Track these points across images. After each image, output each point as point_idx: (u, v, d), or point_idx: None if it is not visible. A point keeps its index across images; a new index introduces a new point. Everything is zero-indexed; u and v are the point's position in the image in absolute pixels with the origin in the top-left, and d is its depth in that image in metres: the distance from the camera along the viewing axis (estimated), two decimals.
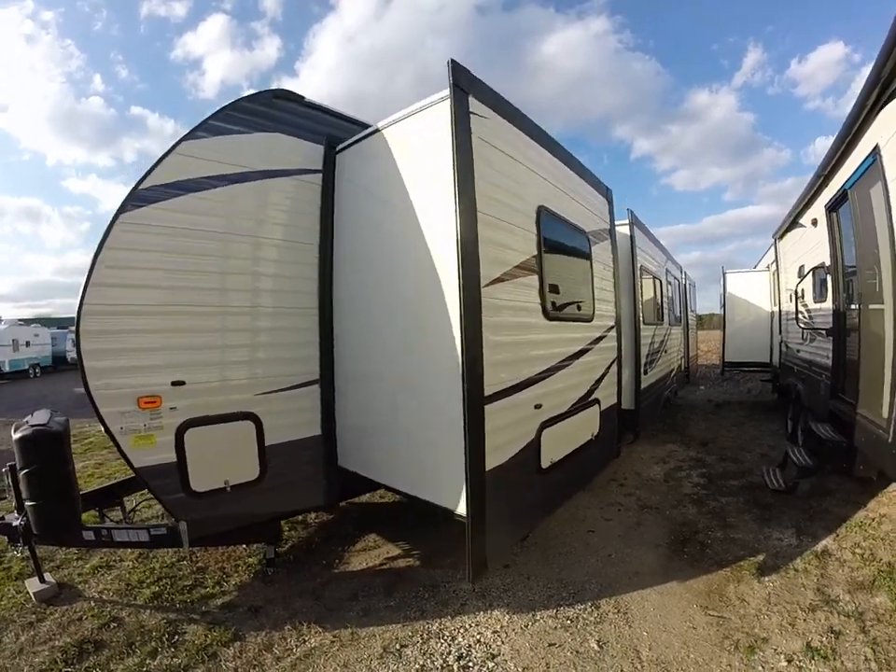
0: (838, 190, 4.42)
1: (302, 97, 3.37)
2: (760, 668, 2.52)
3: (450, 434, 2.69)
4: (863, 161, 3.66)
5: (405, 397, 3.09)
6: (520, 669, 2.60)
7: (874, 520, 4.02)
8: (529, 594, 3.29)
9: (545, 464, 3.41)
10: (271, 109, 3.17)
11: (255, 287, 3.21)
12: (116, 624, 3.05)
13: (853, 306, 4.31)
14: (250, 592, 3.39)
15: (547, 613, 3.07)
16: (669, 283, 8.26)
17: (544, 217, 3.35)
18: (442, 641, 2.85)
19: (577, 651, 2.72)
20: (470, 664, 2.65)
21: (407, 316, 3.05)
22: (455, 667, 2.63)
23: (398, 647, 2.82)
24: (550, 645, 2.78)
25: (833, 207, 4.69)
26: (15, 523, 3.29)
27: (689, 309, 11.33)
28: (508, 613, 3.08)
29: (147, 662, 2.69)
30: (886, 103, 3.17)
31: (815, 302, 5.31)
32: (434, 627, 2.98)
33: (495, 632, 2.92)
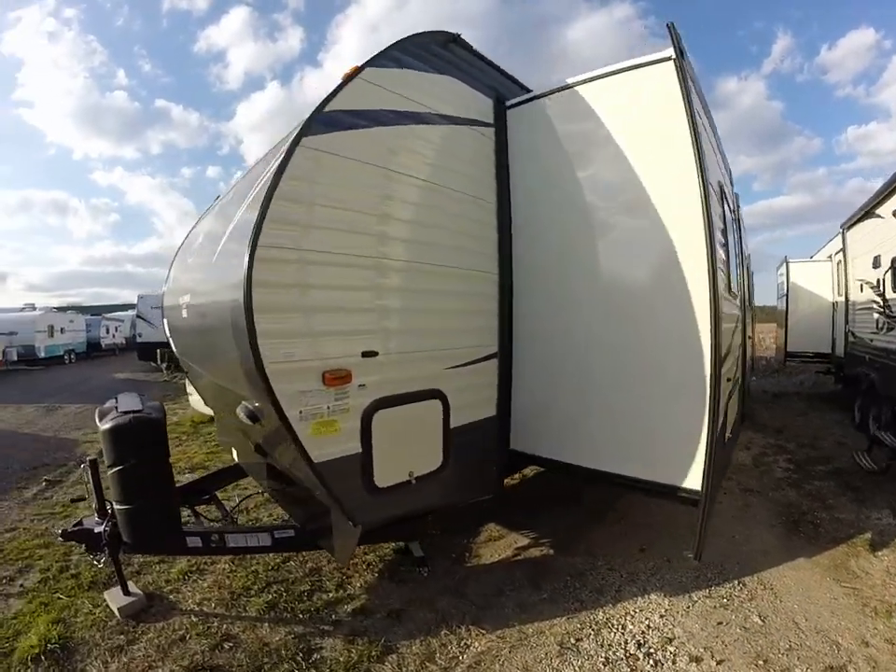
0: None
1: (472, 46, 3.05)
2: None
3: (685, 412, 2.55)
4: None
5: (616, 373, 2.83)
6: (701, 650, 2.54)
7: None
8: (676, 576, 3.22)
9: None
10: (446, 52, 2.83)
11: (444, 243, 2.79)
12: (231, 644, 2.60)
13: None
14: (381, 594, 3.03)
15: (701, 594, 3.03)
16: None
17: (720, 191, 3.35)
18: (615, 631, 2.72)
19: (744, 627, 2.71)
20: (651, 650, 2.55)
21: (622, 288, 2.80)
22: (640, 656, 2.52)
23: (573, 641, 2.64)
24: (718, 624, 2.75)
25: None
26: (97, 529, 2.74)
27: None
28: (665, 597, 3.00)
29: None
30: None
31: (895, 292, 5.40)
32: (600, 617, 2.83)
33: (661, 616, 2.83)
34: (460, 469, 2.68)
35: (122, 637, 2.68)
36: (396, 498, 2.51)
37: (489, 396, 3.05)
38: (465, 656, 2.52)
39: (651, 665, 2.44)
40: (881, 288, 5.62)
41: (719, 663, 2.44)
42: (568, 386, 2.92)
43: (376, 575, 3.22)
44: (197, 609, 2.91)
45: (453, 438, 2.64)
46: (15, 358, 18.64)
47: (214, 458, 5.90)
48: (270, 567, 3.26)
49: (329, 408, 2.18)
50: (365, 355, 2.30)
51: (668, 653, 2.52)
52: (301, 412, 2.08)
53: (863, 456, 5.06)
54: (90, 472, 2.86)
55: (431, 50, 2.67)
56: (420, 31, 2.52)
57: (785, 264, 10.93)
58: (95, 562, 2.92)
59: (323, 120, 2.13)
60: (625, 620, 2.79)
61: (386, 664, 2.46)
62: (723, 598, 2.96)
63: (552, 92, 2.98)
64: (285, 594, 3.00)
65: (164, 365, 15.15)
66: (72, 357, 22.40)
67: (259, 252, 1.89)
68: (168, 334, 4.27)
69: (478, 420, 2.90)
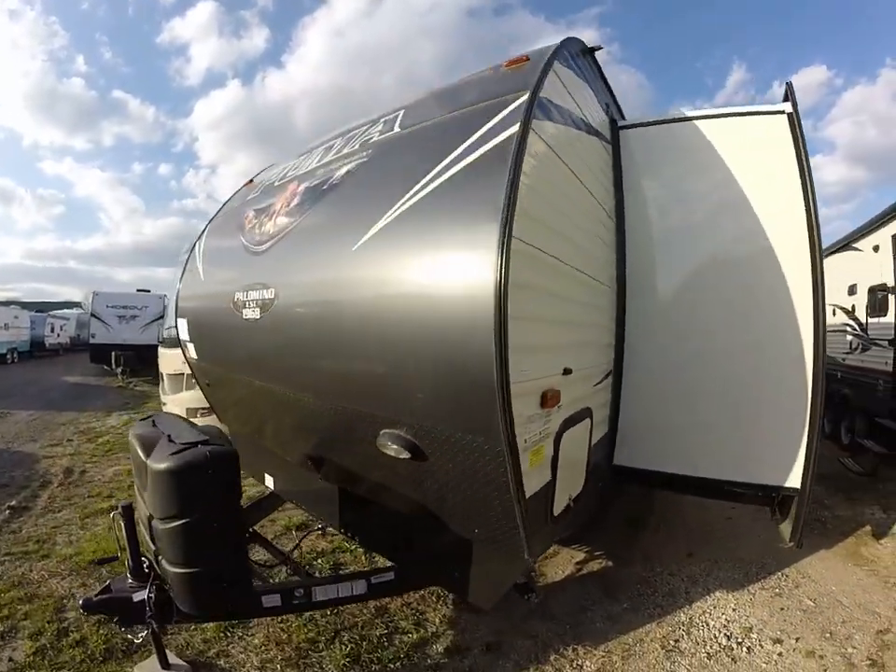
0: None
1: (598, 64, 3.00)
2: None
3: (790, 416, 2.70)
4: None
5: (724, 382, 2.91)
6: (778, 632, 2.83)
7: None
8: (728, 574, 3.43)
9: None
10: (585, 61, 2.75)
11: (598, 255, 2.71)
12: None
13: None
14: (466, 626, 2.81)
15: (756, 587, 3.29)
16: None
17: None
18: (701, 628, 2.87)
19: (802, 610, 3.04)
20: (739, 639, 2.78)
21: (729, 302, 2.92)
22: (733, 646, 2.72)
23: (672, 643, 2.73)
24: (780, 609, 3.04)
25: None
26: (138, 596, 2.17)
27: None
28: (728, 593, 3.20)
29: None
30: None
31: (871, 317, 6.01)
32: (683, 618, 2.95)
33: (733, 609, 3.04)
34: (590, 488, 2.57)
35: None
36: (559, 526, 2.29)
37: (608, 412, 3.00)
38: None
39: (746, 652, 2.68)
40: (856, 313, 6.32)
41: (797, 640, 2.74)
42: (675, 398, 2.98)
43: (450, 606, 2.98)
44: None
45: (591, 457, 2.52)
46: None
47: None
48: (326, 612, 2.83)
49: (539, 433, 1.89)
50: (565, 372, 2.05)
51: (754, 639, 2.76)
52: (525, 440, 1.73)
53: (851, 461, 5.76)
54: (123, 523, 2.24)
55: (579, 56, 2.57)
56: (571, 36, 2.29)
57: None
58: (131, 636, 2.29)
59: (543, 104, 1.84)
60: (706, 617, 2.95)
61: None
62: (775, 589, 3.25)
63: (666, 122, 3.09)
64: (362, 642, 2.63)
65: (120, 369, 13.50)
66: (14, 356, 20.35)
67: (515, 244, 1.50)
68: (187, 336, 3.58)
69: (602, 437, 2.82)
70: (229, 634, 2.69)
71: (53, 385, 13.09)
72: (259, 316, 2.53)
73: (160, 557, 2.11)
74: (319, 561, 3.44)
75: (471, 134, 1.76)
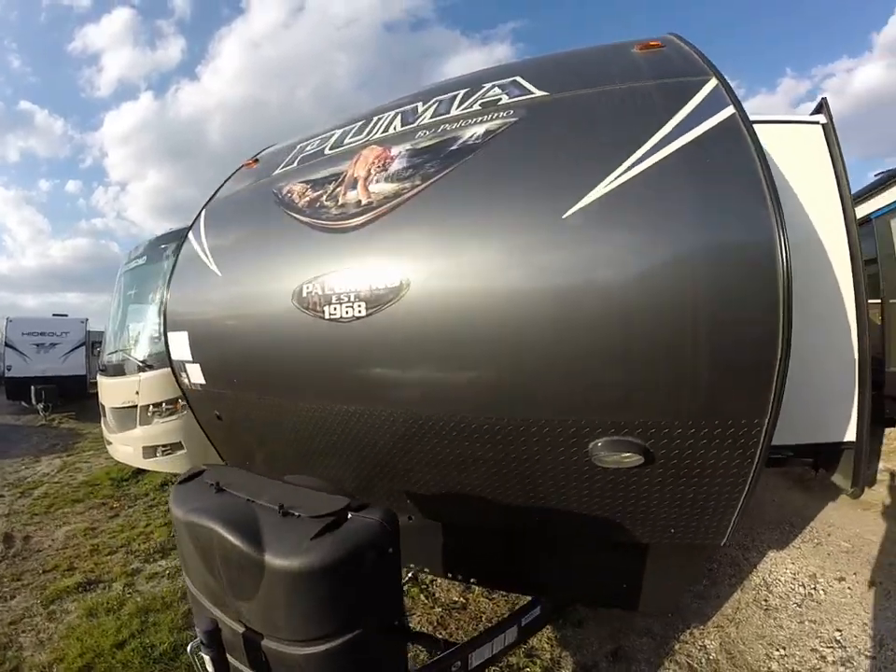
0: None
1: None
2: None
3: (839, 372, 2.82)
4: None
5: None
6: (837, 573, 3.17)
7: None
8: (769, 536, 3.73)
9: None
10: None
11: None
12: None
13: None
14: (578, 643, 2.66)
15: (798, 541, 3.64)
16: None
17: None
18: (779, 585, 3.15)
19: (845, 551, 3.42)
20: (812, 585, 3.09)
21: None
22: (810, 591, 3.04)
23: (763, 602, 2.97)
24: (827, 556, 3.40)
25: None
26: None
27: None
28: (779, 551, 3.52)
29: None
30: None
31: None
32: (758, 581, 3.20)
33: (792, 563, 3.36)
34: None
35: None
36: None
37: None
38: (712, 653, 2.55)
39: (822, 592, 3.00)
40: None
41: (855, 575, 3.12)
42: None
43: (546, 628, 2.75)
44: None
45: None
46: None
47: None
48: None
49: None
50: None
51: (822, 582, 3.09)
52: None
53: None
54: (210, 657, 1.48)
55: None
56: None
57: None
58: None
59: None
60: (775, 575, 3.23)
61: None
62: (814, 540, 3.61)
63: None
64: None
65: (41, 406, 11.28)
66: None
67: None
68: (187, 356, 2.74)
69: None
70: None
71: None
72: (363, 313, 1.91)
73: None
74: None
75: (674, 112, 1.65)
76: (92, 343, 12.47)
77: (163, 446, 4.57)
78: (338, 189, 2.24)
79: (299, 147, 2.90)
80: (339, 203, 2.18)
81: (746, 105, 1.67)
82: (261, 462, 3.01)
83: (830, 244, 2.87)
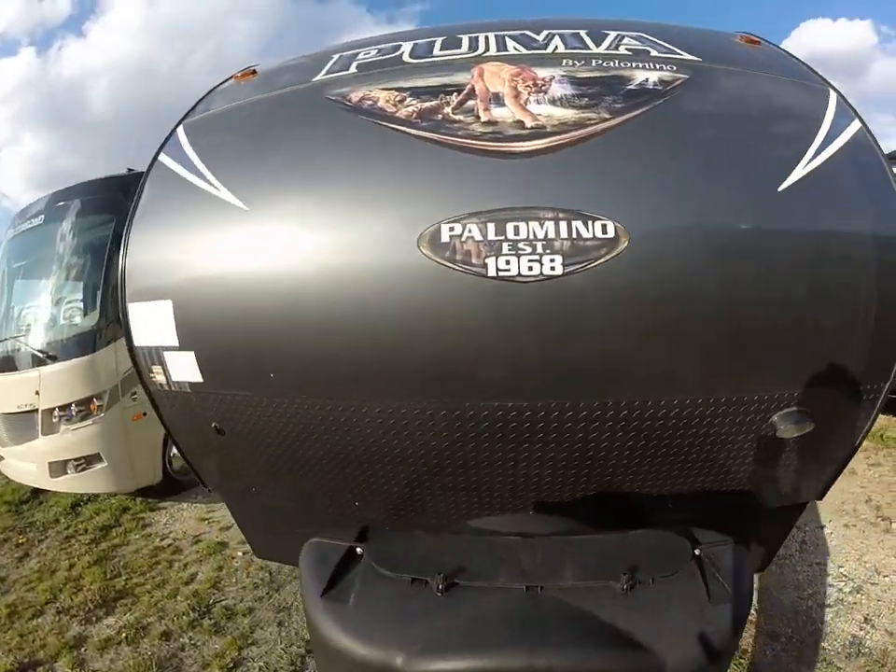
0: None
1: None
2: None
3: None
4: None
5: None
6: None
7: None
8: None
9: None
10: None
11: None
12: None
13: None
14: None
15: (845, 521, 3.58)
16: None
17: None
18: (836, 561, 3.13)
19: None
20: (873, 568, 3.04)
21: None
22: (869, 573, 2.98)
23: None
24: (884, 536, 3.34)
25: None
26: None
27: None
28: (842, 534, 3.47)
29: None
30: None
31: None
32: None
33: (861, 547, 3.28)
34: None
35: None
36: None
37: None
38: None
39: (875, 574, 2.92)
40: None
41: None
42: None
43: None
44: None
45: None
46: None
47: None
48: None
49: None
50: None
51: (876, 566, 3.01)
52: None
53: None
54: None
55: None
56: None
57: None
58: None
59: None
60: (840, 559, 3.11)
61: None
62: (861, 522, 3.48)
63: None
64: None
65: None
66: None
67: None
68: (173, 340, 1.59)
69: None
70: None
71: None
72: (557, 271, 1.44)
73: None
74: None
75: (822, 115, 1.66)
76: None
77: (76, 460, 3.72)
78: (470, 102, 1.61)
79: (338, 56, 2.09)
80: (484, 121, 1.55)
81: None
82: (301, 498, 2.00)
83: None
